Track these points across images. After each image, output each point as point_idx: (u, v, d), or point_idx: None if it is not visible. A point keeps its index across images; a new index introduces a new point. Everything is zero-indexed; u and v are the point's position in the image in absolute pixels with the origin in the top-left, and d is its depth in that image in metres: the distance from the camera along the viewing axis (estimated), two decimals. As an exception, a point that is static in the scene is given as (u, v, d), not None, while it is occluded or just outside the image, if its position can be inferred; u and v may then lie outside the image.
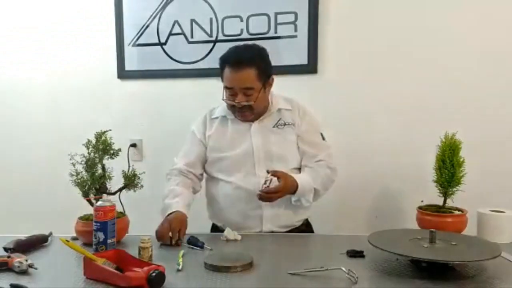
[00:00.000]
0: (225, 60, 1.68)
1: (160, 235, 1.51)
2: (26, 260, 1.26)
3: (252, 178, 1.68)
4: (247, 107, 1.67)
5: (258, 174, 1.67)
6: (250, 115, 1.70)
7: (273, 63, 1.77)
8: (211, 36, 2.34)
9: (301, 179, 1.64)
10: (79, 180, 1.53)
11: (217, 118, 1.79)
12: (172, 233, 1.49)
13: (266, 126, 1.74)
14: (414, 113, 2.16)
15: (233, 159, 1.71)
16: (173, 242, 1.48)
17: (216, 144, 1.75)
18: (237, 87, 1.64)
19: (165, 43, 2.41)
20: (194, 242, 1.47)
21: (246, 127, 1.74)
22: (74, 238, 1.55)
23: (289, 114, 1.76)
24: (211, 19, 2.34)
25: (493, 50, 2.07)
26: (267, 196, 1.58)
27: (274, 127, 1.74)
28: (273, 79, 1.73)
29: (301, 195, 1.65)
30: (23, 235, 1.51)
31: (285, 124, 1.74)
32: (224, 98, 1.71)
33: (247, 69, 1.63)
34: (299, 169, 1.75)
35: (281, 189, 1.58)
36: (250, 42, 1.81)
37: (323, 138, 1.79)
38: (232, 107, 1.70)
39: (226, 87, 1.68)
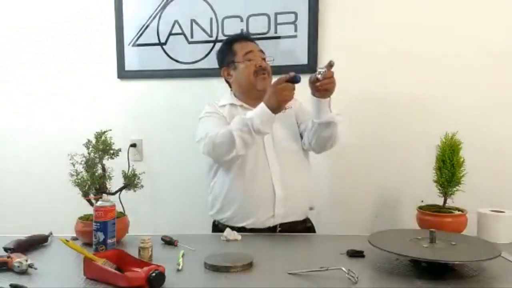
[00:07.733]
0: (234, 39, 1.86)
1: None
2: (26, 260, 1.26)
3: (263, 161, 1.71)
4: (267, 71, 1.78)
5: (268, 157, 1.72)
6: (268, 78, 1.78)
7: (273, 63, 1.83)
8: (211, 36, 2.34)
9: None
10: (79, 180, 1.53)
11: (224, 105, 1.82)
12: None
13: None
14: (414, 113, 2.16)
15: None
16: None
17: None
18: (255, 49, 1.82)
19: (165, 43, 2.41)
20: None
21: None
22: (74, 238, 1.55)
23: None
24: (211, 19, 2.33)
25: (493, 49, 2.07)
26: (325, 81, 1.59)
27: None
28: None
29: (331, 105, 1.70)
30: (23, 235, 1.51)
31: (285, 109, 1.78)
32: (246, 64, 1.77)
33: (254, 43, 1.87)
34: (301, 153, 1.81)
35: (333, 75, 1.60)
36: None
37: None
38: (255, 72, 1.76)
39: (245, 53, 1.79)
